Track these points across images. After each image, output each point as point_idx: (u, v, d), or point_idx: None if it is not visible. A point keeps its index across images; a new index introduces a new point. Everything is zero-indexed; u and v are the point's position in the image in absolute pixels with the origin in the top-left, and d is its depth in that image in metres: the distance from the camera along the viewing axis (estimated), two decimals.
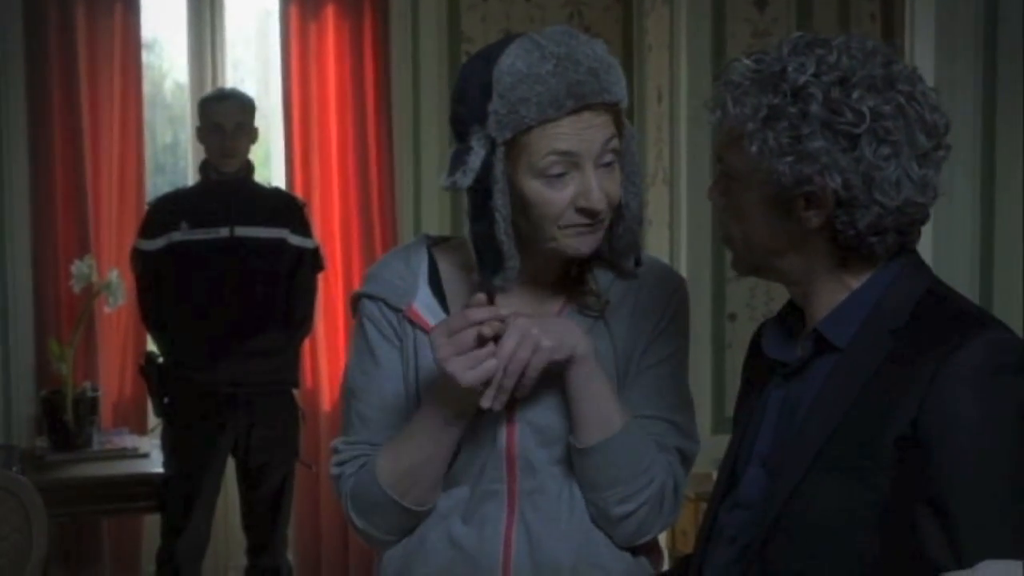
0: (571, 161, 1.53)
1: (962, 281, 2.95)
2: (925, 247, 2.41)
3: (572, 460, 1.60)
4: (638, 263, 1.68)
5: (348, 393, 1.69)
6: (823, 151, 1.33)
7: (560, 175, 1.53)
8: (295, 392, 4.04)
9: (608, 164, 1.56)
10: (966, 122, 3.02)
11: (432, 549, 1.63)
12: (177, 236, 3.82)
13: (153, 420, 4.14)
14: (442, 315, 1.62)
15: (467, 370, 1.49)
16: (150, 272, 3.87)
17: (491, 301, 1.53)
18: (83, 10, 4.29)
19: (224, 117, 3.87)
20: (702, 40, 4.02)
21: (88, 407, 4.06)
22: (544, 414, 1.60)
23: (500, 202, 1.53)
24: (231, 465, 3.97)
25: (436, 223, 4.42)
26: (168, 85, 4.90)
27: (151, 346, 4.10)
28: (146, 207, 4.05)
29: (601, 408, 1.57)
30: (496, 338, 1.50)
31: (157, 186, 4.53)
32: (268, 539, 3.98)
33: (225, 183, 3.90)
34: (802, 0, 4.13)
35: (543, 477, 1.61)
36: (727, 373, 4.04)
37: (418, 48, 4.50)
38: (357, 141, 4.51)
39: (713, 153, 1.62)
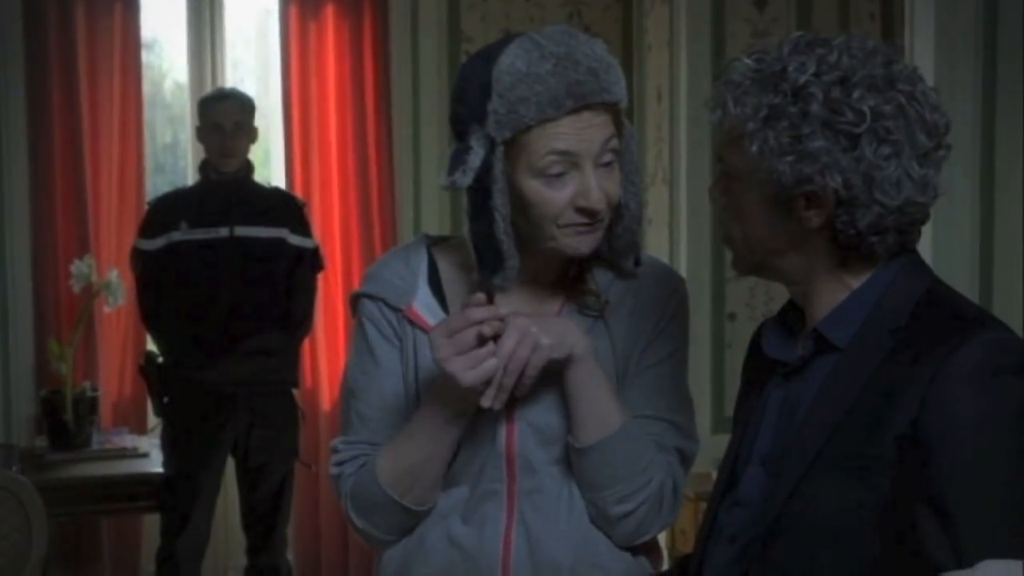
0: (570, 161, 1.53)
1: (962, 281, 2.94)
2: (925, 247, 2.40)
3: (571, 460, 1.60)
4: (637, 263, 1.68)
5: (348, 393, 1.69)
6: (823, 151, 1.33)
7: (559, 175, 1.53)
8: (295, 392, 4.04)
9: (608, 164, 1.56)
10: (966, 122, 3.01)
11: (432, 549, 1.63)
12: (177, 236, 3.82)
13: (153, 420, 4.15)
14: (442, 315, 1.62)
15: (467, 370, 1.49)
16: (150, 272, 3.87)
17: (491, 300, 1.53)
18: (83, 10, 4.29)
19: (224, 117, 3.88)
20: (702, 40, 4.02)
21: (88, 407, 4.06)
22: (543, 414, 1.60)
23: (499, 202, 1.53)
24: (231, 465, 3.97)
25: (436, 223, 4.42)
26: (168, 85, 4.90)
27: (151, 346, 4.10)
28: (146, 207, 4.05)
29: (600, 408, 1.56)
30: (496, 338, 1.50)
31: (157, 186, 4.53)
32: (268, 539, 3.97)
33: (225, 183, 3.90)
34: (802, 0, 4.13)
35: (542, 477, 1.61)
36: (727, 373, 4.04)
37: (418, 48, 4.49)
38: (357, 141, 4.51)
39: (713, 153, 1.61)
